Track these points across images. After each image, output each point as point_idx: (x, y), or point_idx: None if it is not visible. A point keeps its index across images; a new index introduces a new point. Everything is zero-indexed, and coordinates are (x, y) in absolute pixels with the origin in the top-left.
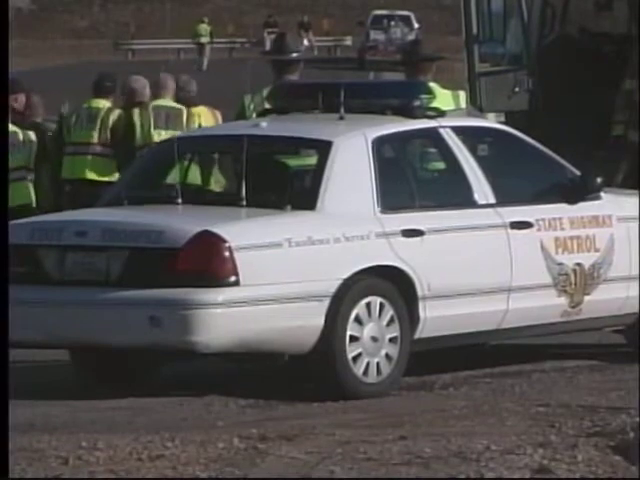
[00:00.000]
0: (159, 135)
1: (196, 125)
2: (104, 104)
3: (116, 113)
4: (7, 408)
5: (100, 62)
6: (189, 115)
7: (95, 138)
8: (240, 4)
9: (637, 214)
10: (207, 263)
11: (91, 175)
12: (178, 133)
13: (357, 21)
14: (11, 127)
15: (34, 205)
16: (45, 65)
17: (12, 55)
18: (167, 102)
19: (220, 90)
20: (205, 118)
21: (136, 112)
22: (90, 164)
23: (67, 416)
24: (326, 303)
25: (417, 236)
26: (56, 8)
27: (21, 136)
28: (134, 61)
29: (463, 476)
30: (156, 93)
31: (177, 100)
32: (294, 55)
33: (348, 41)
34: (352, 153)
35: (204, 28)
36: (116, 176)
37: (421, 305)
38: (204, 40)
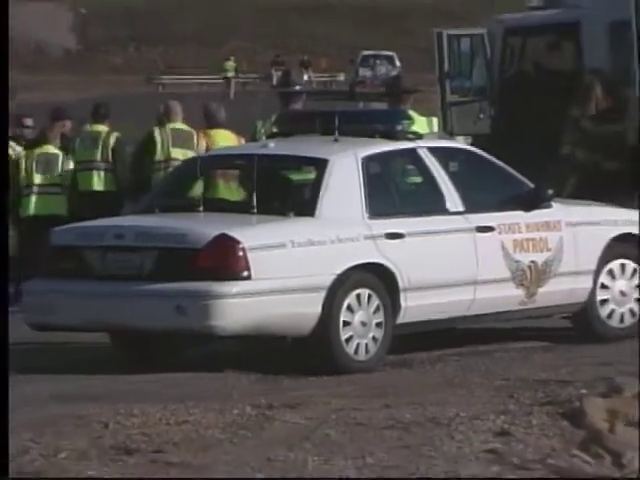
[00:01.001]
0: (175, 152)
1: (221, 144)
2: (103, 128)
3: (114, 135)
4: (7, 408)
5: (134, 94)
6: (215, 136)
7: (98, 156)
8: (252, 45)
9: (582, 220)
10: (224, 261)
11: (98, 187)
12: (191, 151)
13: (349, 60)
14: (54, 149)
15: (65, 214)
16: (89, 96)
17: (61, 88)
18: (181, 125)
19: (238, 116)
20: (229, 139)
21: (157, 132)
22: (96, 178)
23: (107, 388)
24: (323, 294)
25: (399, 238)
26: (98, 48)
27: (61, 158)
28: (164, 93)
29: (437, 438)
30: (169, 117)
31: (208, 124)
32: (297, 88)
33: (341, 77)
34: (345, 169)
35: (230, 65)
36: (116, 187)
37: (402, 296)
38: (230, 75)
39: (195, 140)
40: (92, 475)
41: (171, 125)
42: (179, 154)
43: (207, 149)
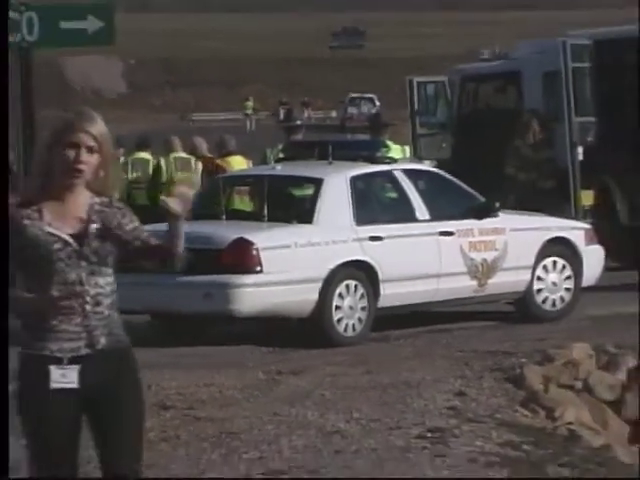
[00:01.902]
0: (177, 175)
1: (235, 167)
2: (145, 155)
3: (151, 162)
4: (7, 408)
5: (170, 129)
6: (230, 161)
7: (142, 178)
8: (264, 89)
9: (522, 226)
10: (241, 258)
11: (144, 202)
12: (190, 174)
13: (339, 101)
14: None
15: None
16: (135, 130)
17: (114, 123)
18: (181, 154)
19: (255, 144)
20: (241, 163)
21: (162, 161)
22: (141, 195)
23: (149, 358)
24: (319, 284)
25: (379, 240)
26: (142, 91)
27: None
28: (194, 127)
29: (408, 397)
30: (170, 148)
31: (226, 152)
32: (298, 123)
33: (333, 114)
34: (336, 186)
35: (249, 104)
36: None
37: (381, 285)
38: (249, 112)
39: (193, 165)
40: None
41: (173, 154)
42: (181, 176)
43: (223, 171)
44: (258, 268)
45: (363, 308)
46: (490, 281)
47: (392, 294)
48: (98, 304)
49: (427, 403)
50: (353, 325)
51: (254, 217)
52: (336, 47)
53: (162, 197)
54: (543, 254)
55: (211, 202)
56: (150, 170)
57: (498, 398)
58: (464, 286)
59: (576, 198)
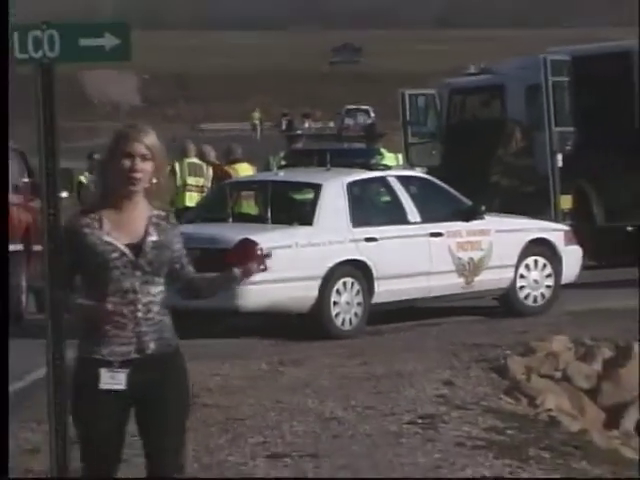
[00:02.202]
0: (190, 180)
1: (241, 174)
2: None
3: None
4: (7, 408)
5: (182, 138)
6: (237, 168)
7: None
8: (267, 101)
9: (506, 228)
10: (246, 257)
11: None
12: (201, 179)
13: (337, 112)
14: None
15: None
16: None
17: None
18: (193, 160)
19: (257, 152)
20: (247, 170)
21: (176, 166)
22: None
23: None
24: (318, 282)
25: (374, 241)
26: (156, 103)
27: None
28: (203, 137)
29: (401, 386)
30: (185, 154)
31: (233, 159)
32: (298, 132)
33: (332, 124)
34: (334, 191)
35: (257, 115)
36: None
37: (376, 283)
38: (256, 122)
39: (204, 170)
40: None
41: (187, 160)
42: (192, 181)
43: (230, 177)
44: (262, 267)
45: (359, 304)
46: (476, 278)
47: (386, 291)
48: (149, 311)
49: (418, 392)
50: (350, 319)
51: (258, 219)
52: (334, 62)
53: (235, 269)
54: (525, 254)
55: (219, 205)
56: None
57: (484, 387)
58: (452, 283)
59: (556, 202)
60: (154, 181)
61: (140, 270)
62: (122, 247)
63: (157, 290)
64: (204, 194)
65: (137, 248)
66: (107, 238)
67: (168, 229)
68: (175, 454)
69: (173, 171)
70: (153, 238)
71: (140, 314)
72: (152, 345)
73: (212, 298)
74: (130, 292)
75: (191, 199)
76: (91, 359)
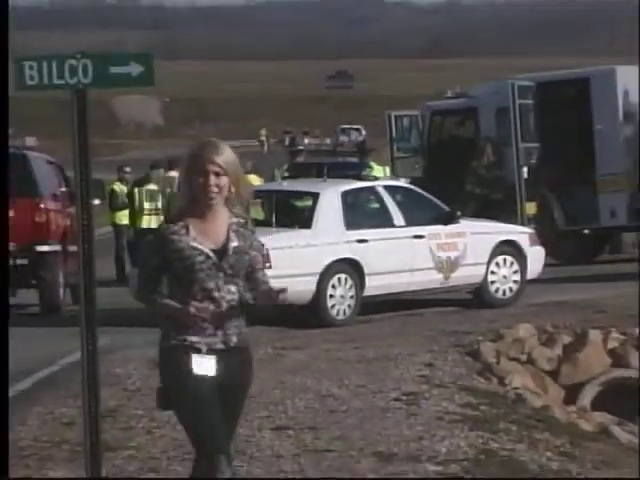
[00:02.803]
0: None
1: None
2: (174, 173)
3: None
4: (7, 408)
5: None
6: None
7: (172, 193)
8: (272, 121)
9: (479, 231)
10: None
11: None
12: None
13: (333, 130)
14: (154, 186)
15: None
16: (169, 154)
17: (153, 149)
18: None
19: (263, 165)
20: (256, 180)
21: None
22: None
23: None
24: (316, 277)
25: (364, 242)
26: (176, 124)
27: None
28: None
29: (388, 368)
30: None
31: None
32: (300, 148)
33: (328, 141)
34: (330, 199)
35: (264, 133)
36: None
37: (366, 278)
38: (263, 139)
39: None
40: None
41: None
42: None
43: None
44: (268, 264)
45: (352, 296)
46: (453, 275)
47: (375, 285)
48: (231, 308)
49: (403, 372)
50: (344, 310)
51: (264, 223)
52: (330, 87)
53: (273, 288)
54: (495, 253)
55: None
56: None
57: (460, 368)
58: (432, 279)
59: (522, 208)
60: (232, 191)
61: (222, 272)
62: (207, 251)
63: (237, 290)
64: None
65: (220, 252)
66: (193, 243)
67: (247, 235)
68: (232, 439)
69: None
70: (234, 244)
71: (223, 310)
72: (234, 338)
73: None
74: (214, 291)
75: None
76: (182, 345)
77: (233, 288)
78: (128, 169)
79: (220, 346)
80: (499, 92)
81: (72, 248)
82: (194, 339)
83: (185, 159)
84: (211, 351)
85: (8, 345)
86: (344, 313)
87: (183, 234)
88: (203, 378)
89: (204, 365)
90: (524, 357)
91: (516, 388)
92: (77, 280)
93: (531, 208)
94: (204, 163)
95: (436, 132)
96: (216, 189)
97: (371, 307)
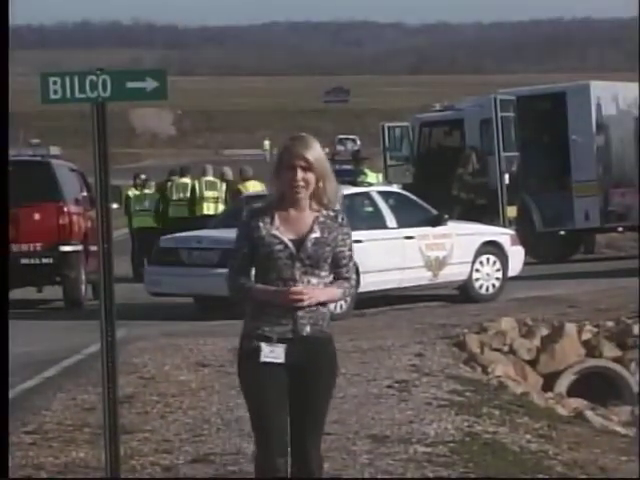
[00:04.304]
0: (207, 194)
1: (252, 190)
2: (187, 180)
3: (189, 185)
4: (7, 409)
5: (207, 161)
6: (249, 185)
7: (184, 197)
8: (274, 132)
9: (464, 232)
10: None
11: (185, 215)
12: (217, 193)
13: (331, 141)
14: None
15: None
16: (182, 162)
17: (166, 157)
18: (210, 178)
19: (267, 172)
20: (257, 186)
21: (196, 183)
22: (181, 209)
23: (191, 328)
24: None
25: (359, 243)
26: (187, 134)
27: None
28: (225, 160)
29: (381, 358)
30: (203, 173)
31: (245, 178)
32: None
33: (327, 150)
34: None
35: (268, 143)
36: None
37: (361, 276)
38: (267, 148)
39: (219, 185)
40: (183, 379)
41: (204, 178)
42: (209, 194)
43: (241, 193)
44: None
45: None
46: (441, 272)
47: (369, 282)
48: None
49: (395, 362)
50: (341, 305)
51: None
52: (328, 101)
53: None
54: (479, 252)
55: (237, 215)
56: (189, 191)
57: (447, 358)
58: (422, 276)
59: (504, 212)
60: (320, 185)
61: (300, 262)
62: (286, 240)
63: (317, 281)
64: (219, 204)
65: (299, 243)
66: (275, 232)
67: (333, 228)
68: (316, 435)
69: (194, 188)
70: (316, 235)
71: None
72: (307, 329)
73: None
74: (290, 280)
75: (208, 208)
76: (254, 335)
77: (314, 280)
78: (143, 176)
79: (290, 335)
80: (483, 105)
81: (93, 248)
82: (266, 327)
83: (277, 154)
84: (282, 340)
85: (8, 345)
86: (341, 308)
87: (268, 222)
88: (270, 369)
89: (273, 354)
90: (506, 348)
91: (498, 376)
92: (97, 277)
93: (512, 211)
94: (292, 158)
95: (425, 142)
96: (302, 183)
97: (366, 302)
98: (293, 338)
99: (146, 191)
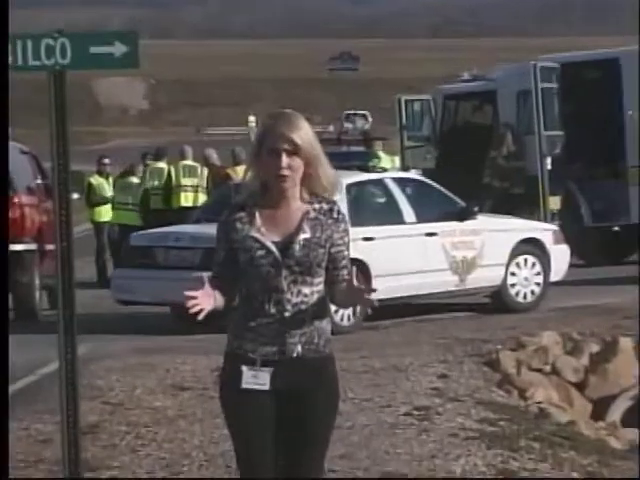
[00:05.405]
0: (185, 181)
1: (240, 176)
2: (162, 165)
3: (166, 169)
4: (7, 410)
5: (187, 142)
6: (239, 170)
7: (159, 185)
8: (268, 106)
9: (497, 228)
10: None
11: (160, 206)
12: (196, 179)
13: (337, 117)
14: (136, 180)
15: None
16: (156, 143)
17: (137, 136)
18: (189, 162)
19: None
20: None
21: (172, 168)
22: (155, 200)
23: (168, 344)
24: None
25: (371, 240)
26: (163, 108)
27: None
28: (207, 140)
29: (397, 379)
30: (182, 157)
31: (234, 162)
32: None
33: (331, 128)
34: None
35: (254, 119)
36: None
37: (373, 280)
38: (252, 125)
39: (199, 171)
40: (157, 406)
41: (182, 162)
42: (187, 182)
43: (231, 179)
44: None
45: None
46: (469, 276)
47: (382, 288)
48: (299, 312)
49: (414, 384)
50: (348, 315)
51: None
52: (334, 70)
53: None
54: (516, 252)
55: (222, 206)
56: (164, 177)
57: (476, 380)
58: (446, 281)
59: (545, 203)
60: (310, 172)
61: (287, 269)
62: (269, 244)
63: (311, 291)
64: (199, 193)
65: (285, 246)
66: (255, 234)
67: (328, 224)
68: (315, 473)
69: (169, 175)
70: (305, 235)
71: (287, 314)
72: (298, 349)
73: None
74: (277, 292)
75: (186, 199)
76: (235, 354)
77: (305, 289)
78: (107, 160)
79: (278, 357)
80: (520, 74)
81: (49, 247)
82: (249, 347)
83: (254, 135)
84: (267, 363)
85: (8, 345)
86: (348, 319)
87: (246, 222)
88: (254, 397)
89: (256, 379)
90: (547, 367)
91: (539, 402)
92: (54, 282)
93: (555, 203)
94: (275, 140)
95: (450, 118)
96: (287, 171)
97: (379, 312)
98: (280, 360)
99: (133, 179)
